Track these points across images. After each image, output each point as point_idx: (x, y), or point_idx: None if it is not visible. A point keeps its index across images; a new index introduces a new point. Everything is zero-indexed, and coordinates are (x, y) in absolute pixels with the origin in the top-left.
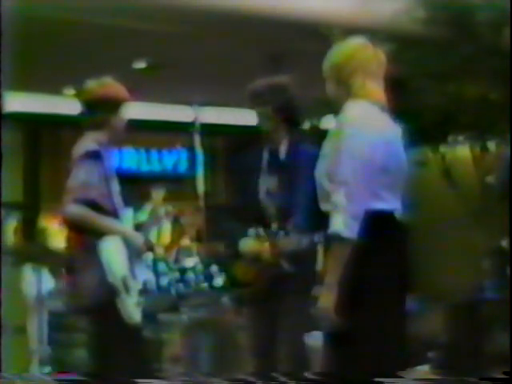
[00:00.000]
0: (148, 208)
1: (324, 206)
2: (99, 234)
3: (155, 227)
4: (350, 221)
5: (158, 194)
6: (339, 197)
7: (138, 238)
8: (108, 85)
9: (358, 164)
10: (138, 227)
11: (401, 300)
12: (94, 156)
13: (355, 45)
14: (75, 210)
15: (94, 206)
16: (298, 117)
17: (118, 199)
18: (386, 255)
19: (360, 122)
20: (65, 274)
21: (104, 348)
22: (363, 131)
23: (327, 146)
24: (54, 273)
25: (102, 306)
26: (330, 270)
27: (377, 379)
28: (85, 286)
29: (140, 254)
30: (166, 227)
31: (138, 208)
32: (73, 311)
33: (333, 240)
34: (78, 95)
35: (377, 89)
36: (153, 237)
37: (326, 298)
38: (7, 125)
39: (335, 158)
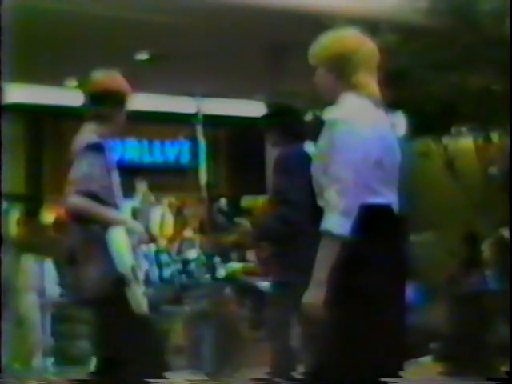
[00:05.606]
0: (138, 198)
1: (320, 202)
2: (103, 225)
3: (148, 213)
4: (341, 218)
5: (141, 185)
6: (331, 194)
7: (139, 228)
8: (113, 78)
9: (352, 160)
10: (134, 214)
11: (399, 292)
12: (96, 148)
13: (357, 37)
14: (77, 201)
15: (95, 197)
16: None
17: (118, 191)
18: (384, 249)
19: (354, 117)
20: (68, 265)
21: (113, 339)
22: (357, 127)
23: (322, 142)
24: (57, 264)
25: (109, 296)
26: (320, 267)
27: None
28: (89, 277)
29: (141, 244)
30: (169, 218)
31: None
32: (77, 303)
33: (324, 237)
34: (83, 86)
35: (373, 83)
36: (155, 228)
37: (314, 294)
38: (9, 116)
39: (329, 155)
